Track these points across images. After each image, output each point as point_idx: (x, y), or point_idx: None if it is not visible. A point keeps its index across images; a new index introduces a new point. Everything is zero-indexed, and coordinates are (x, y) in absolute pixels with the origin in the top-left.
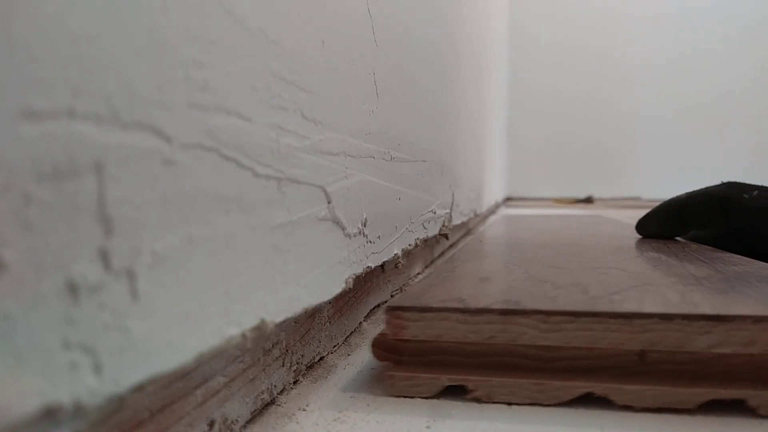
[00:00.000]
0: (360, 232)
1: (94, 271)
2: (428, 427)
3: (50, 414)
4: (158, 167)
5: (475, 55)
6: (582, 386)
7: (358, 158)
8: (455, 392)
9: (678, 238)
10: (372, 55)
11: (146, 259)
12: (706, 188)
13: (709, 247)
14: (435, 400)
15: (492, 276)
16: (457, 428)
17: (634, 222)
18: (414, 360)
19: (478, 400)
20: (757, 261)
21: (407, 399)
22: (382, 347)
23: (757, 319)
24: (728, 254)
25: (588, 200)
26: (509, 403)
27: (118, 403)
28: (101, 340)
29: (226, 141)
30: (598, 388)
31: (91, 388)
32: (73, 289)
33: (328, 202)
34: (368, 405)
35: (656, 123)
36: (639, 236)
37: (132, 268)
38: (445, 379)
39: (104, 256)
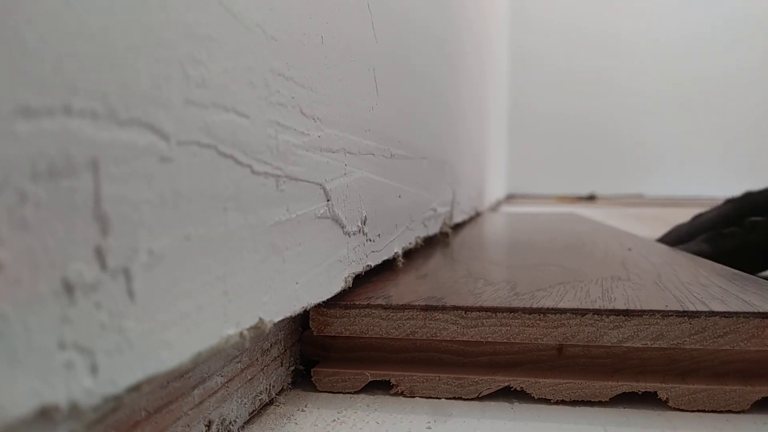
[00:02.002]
0: (359, 230)
1: (90, 270)
2: (429, 427)
3: (46, 414)
4: (155, 165)
5: (477, 50)
6: (500, 380)
7: (357, 155)
8: (382, 387)
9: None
10: (372, 51)
11: (143, 258)
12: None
13: (682, 251)
14: (436, 400)
15: (431, 273)
16: (458, 428)
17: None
18: (341, 356)
19: (401, 395)
20: (698, 258)
21: (408, 399)
22: (310, 344)
23: (664, 314)
24: (678, 252)
25: (590, 198)
26: (511, 403)
27: (114, 404)
28: (97, 340)
29: (224, 138)
30: (515, 382)
31: (87, 388)
32: (69, 288)
33: (327, 200)
34: (368, 405)
35: (659, 121)
36: (608, 235)
37: (128, 267)
38: (369, 375)
39: (100, 255)
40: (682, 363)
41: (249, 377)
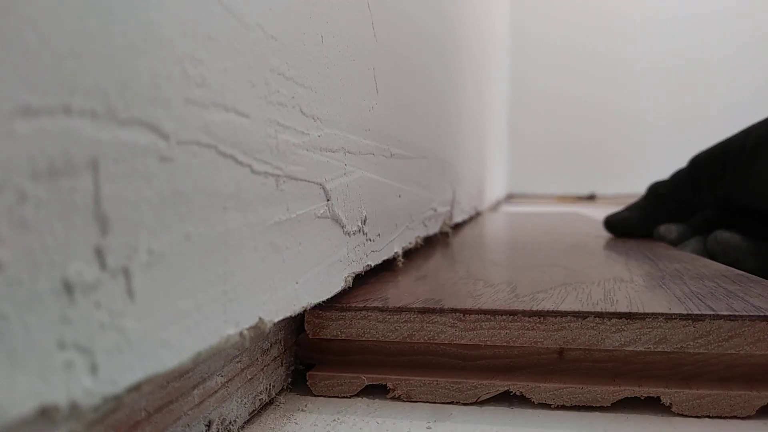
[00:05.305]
0: (360, 230)
1: (89, 269)
2: (429, 428)
3: (46, 414)
4: (155, 164)
5: (476, 50)
6: (499, 385)
7: (357, 155)
8: (378, 392)
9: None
10: (372, 50)
11: (143, 257)
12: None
13: (668, 246)
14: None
15: (430, 275)
16: (458, 429)
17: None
18: (337, 359)
19: (398, 399)
20: (702, 258)
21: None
22: (305, 347)
23: (668, 317)
24: (680, 252)
25: (591, 197)
26: (510, 405)
27: (114, 404)
28: (97, 340)
29: (224, 137)
30: (515, 386)
31: (87, 388)
32: (68, 288)
33: (327, 200)
34: (368, 405)
35: (659, 120)
36: (605, 234)
37: (128, 266)
38: (365, 379)
39: (100, 255)
40: (687, 367)
41: (249, 377)
